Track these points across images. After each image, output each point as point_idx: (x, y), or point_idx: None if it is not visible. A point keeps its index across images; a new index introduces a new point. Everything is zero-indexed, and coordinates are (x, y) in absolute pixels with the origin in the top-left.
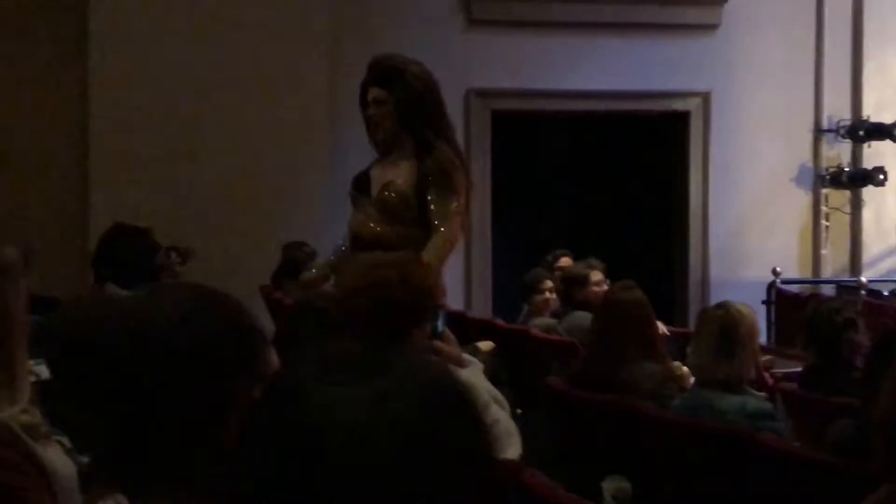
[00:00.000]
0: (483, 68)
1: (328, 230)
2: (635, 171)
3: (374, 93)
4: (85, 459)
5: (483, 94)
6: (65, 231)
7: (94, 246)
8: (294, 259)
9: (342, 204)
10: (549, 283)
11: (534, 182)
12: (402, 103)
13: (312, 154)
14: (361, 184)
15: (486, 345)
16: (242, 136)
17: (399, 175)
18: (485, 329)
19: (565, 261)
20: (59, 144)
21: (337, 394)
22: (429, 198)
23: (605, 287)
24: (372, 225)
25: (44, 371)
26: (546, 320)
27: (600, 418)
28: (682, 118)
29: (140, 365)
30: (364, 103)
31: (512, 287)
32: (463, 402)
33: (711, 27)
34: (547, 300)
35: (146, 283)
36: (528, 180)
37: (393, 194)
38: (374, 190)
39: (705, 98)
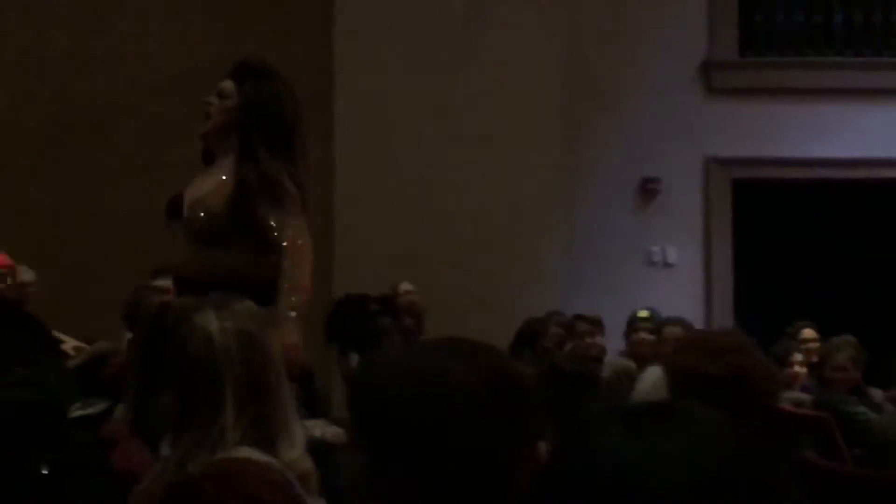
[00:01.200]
0: (722, 136)
1: (569, 299)
2: (887, 240)
3: (224, 83)
4: None
5: (723, 162)
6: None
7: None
8: (533, 328)
9: (582, 273)
10: (798, 357)
11: (777, 251)
12: (247, 106)
13: (548, 222)
14: (174, 207)
15: None
16: (477, 205)
17: (212, 187)
18: None
19: (807, 332)
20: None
21: (641, 449)
22: (260, 212)
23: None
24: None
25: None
26: (796, 394)
27: (861, 494)
28: None
29: (440, 422)
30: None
31: None
32: (765, 458)
33: None
34: (797, 374)
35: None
36: (771, 249)
37: (201, 214)
38: (186, 209)
39: None
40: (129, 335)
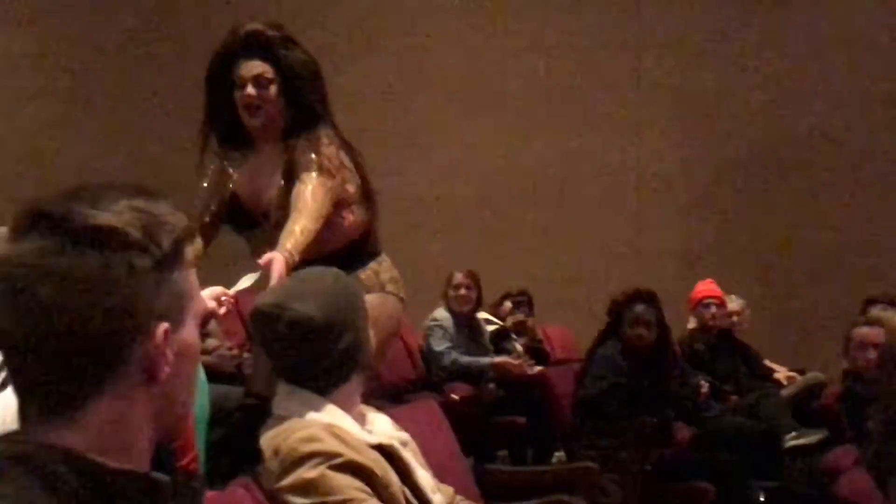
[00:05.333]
0: None
1: None
2: None
3: (255, 68)
4: None
5: None
6: None
7: None
8: None
9: None
10: None
11: None
12: (295, 79)
13: None
14: (236, 212)
15: None
16: None
17: (268, 181)
18: None
19: None
20: None
21: None
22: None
23: None
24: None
25: None
26: None
27: None
28: None
29: None
30: (223, 80)
31: None
32: None
33: None
34: None
35: None
36: None
37: (266, 204)
38: (252, 203)
39: None
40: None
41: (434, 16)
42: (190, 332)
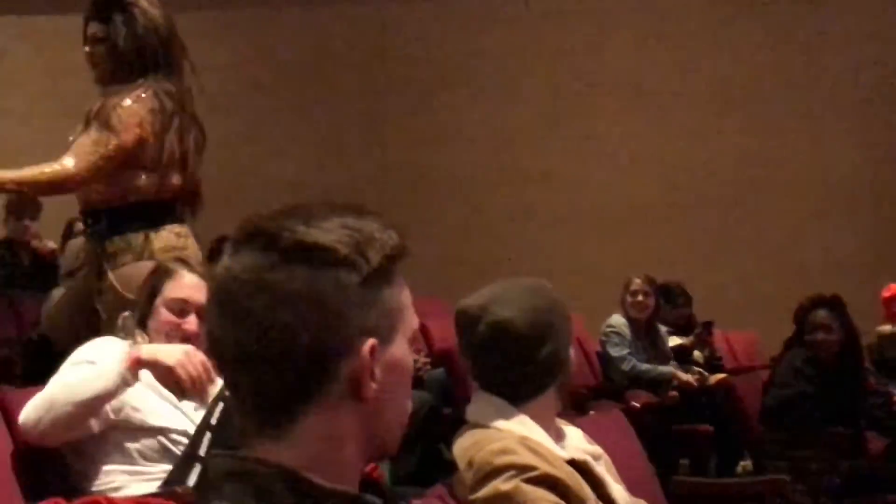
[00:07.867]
0: None
1: None
2: None
3: (92, 28)
4: None
5: None
6: None
7: None
8: None
9: None
10: None
11: None
12: (120, 42)
13: None
14: None
15: None
16: None
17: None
18: None
19: None
20: None
21: None
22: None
23: None
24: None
25: None
26: None
27: None
28: None
29: None
30: (85, 39)
31: None
32: None
33: None
34: None
35: None
36: None
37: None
38: None
39: None
40: None
41: (612, 17)
42: (400, 349)
